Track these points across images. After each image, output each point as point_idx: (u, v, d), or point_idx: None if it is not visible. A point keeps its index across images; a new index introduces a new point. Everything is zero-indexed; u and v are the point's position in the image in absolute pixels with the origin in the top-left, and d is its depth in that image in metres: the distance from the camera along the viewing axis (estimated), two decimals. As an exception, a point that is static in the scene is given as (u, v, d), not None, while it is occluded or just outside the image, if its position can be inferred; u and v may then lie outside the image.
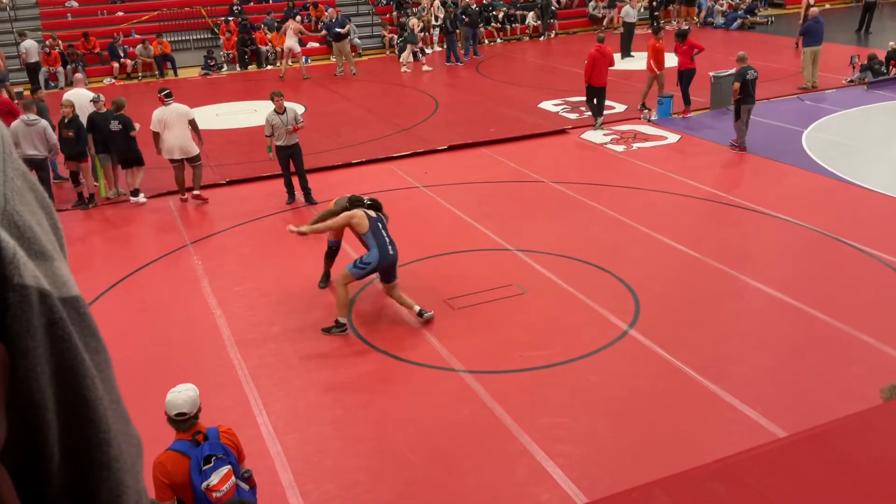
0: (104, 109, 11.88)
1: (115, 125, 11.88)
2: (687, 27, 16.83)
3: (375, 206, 8.47)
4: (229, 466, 4.34)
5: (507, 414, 6.56)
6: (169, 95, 11.96)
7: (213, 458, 4.29)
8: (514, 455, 6.07)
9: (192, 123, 11.94)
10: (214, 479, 4.24)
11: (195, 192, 12.12)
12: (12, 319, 0.56)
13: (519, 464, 5.96)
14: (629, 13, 22.37)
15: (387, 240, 8.03)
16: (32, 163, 10.83)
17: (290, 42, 21.97)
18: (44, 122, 11.25)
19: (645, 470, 5.63)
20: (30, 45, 20.29)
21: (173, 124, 11.80)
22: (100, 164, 12.18)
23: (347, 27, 22.20)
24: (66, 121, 11.70)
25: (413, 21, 23.26)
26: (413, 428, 6.49)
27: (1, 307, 0.56)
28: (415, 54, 23.79)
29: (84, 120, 12.06)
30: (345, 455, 6.19)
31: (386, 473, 5.97)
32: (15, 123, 11.11)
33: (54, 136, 11.37)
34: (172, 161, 11.96)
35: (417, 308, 8.19)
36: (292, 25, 22.26)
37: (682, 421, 6.42)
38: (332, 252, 9.00)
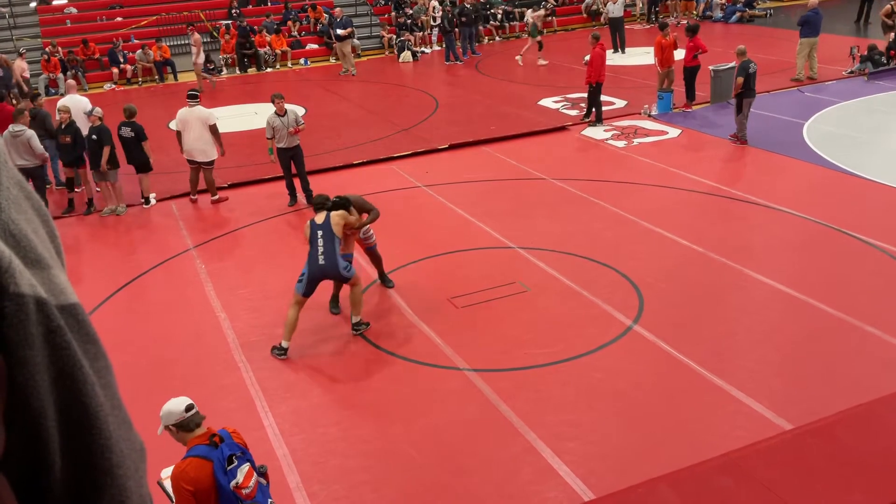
0: (97, 124, 11.71)
1: (126, 132, 11.89)
2: (696, 23, 16.79)
3: (339, 204, 7.91)
4: (249, 464, 4.37)
5: (512, 412, 6.56)
6: (192, 97, 12.08)
7: (234, 457, 4.31)
8: (520, 453, 6.07)
9: (213, 129, 12.00)
10: (240, 477, 4.27)
11: (213, 199, 12.25)
12: (9, 329, 0.57)
13: (525, 461, 5.96)
14: (612, 9, 22.51)
15: (319, 249, 7.59)
16: (25, 172, 10.83)
17: (200, 58, 20.69)
18: (29, 133, 11.19)
19: (651, 465, 5.63)
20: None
21: (192, 126, 11.94)
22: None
23: (349, 30, 22.21)
24: (62, 126, 11.72)
25: (539, 13, 22.75)
26: (418, 427, 6.49)
27: None
28: (414, 54, 23.78)
29: (81, 125, 12.07)
30: (351, 455, 6.20)
31: (392, 473, 5.97)
32: (2, 135, 11.11)
33: (40, 146, 11.31)
34: (190, 162, 12.11)
35: (356, 319, 7.92)
36: (197, 39, 20.91)
37: (687, 416, 6.42)
38: None
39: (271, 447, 6.32)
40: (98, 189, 12.39)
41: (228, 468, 4.23)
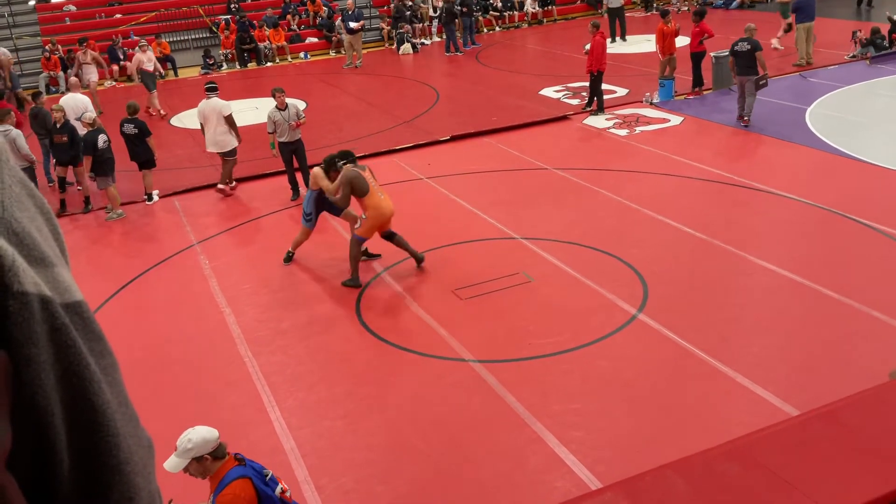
0: (93, 128, 11.57)
1: (129, 128, 11.85)
2: (702, 8, 16.59)
3: (324, 162, 9.11)
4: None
5: (518, 402, 6.57)
6: (211, 90, 12.18)
7: (262, 468, 4.33)
8: (527, 443, 6.07)
9: (228, 119, 12.10)
10: (281, 484, 4.31)
11: (219, 186, 12.36)
12: (14, 327, 0.56)
13: (532, 451, 5.97)
14: None
15: None
16: None
17: (93, 77, 19.10)
18: (14, 132, 11.09)
19: (658, 453, 5.63)
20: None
21: (209, 119, 12.09)
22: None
23: (361, 23, 22.14)
24: (57, 126, 11.63)
25: None
26: (425, 419, 6.50)
27: (1, 315, 0.56)
28: (414, 46, 23.71)
29: (77, 124, 12.04)
30: (358, 448, 6.21)
31: (400, 465, 5.98)
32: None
33: (25, 147, 11.20)
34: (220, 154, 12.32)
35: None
36: (89, 57, 19.42)
37: (693, 403, 6.42)
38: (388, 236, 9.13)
39: (278, 441, 6.34)
40: (79, 188, 12.39)
41: (267, 479, 4.26)
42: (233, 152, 12.23)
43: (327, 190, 8.85)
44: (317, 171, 9.04)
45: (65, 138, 11.62)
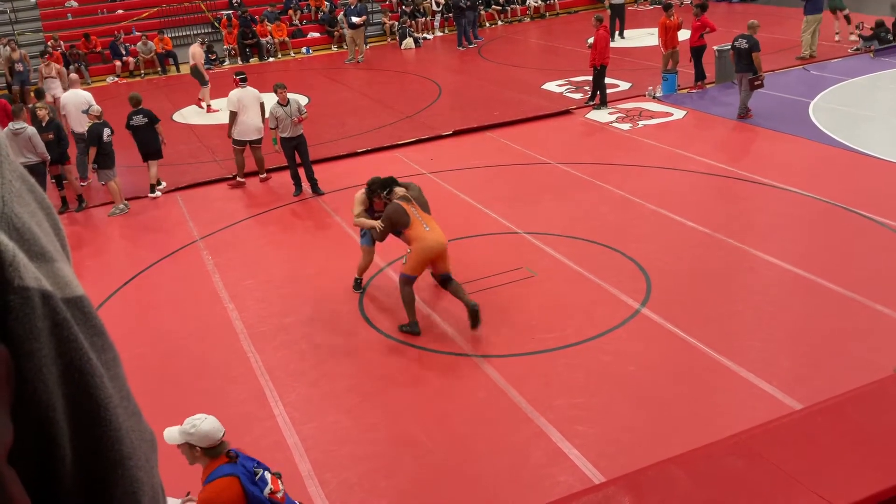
0: (99, 120, 11.57)
1: (138, 119, 11.86)
2: (705, 1, 16.41)
3: (368, 186, 8.04)
4: (270, 472, 4.34)
5: (521, 397, 6.57)
6: (244, 79, 12.30)
7: (255, 467, 4.30)
8: (530, 437, 6.08)
9: (262, 107, 12.26)
10: (272, 484, 4.25)
11: (262, 177, 12.61)
12: (15, 322, 0.56)
13: (536, 446, 5.98)
14: None
15: None
16: (26, 168, 10.74)
17: (57, 91, 17.20)
18: (30, 130, 11.05)
19: (661, 447, 5.63)
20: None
21: (250, 106, 12.19)
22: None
23: (364, 17, 22.10)
24: (42, 124, 11.56)
25: None
26: (429, 414, 6.51)
27: (2, 310, 0.56)
28: (416, 40, 23.67)
29: (76, 121, 12.02)
30: (362, 443, 6.22)
31: (403, 460, 5.99)
32: (2, 132, 10.97)
33: (41, 144, 11.13)
34: (238, 143, 12.33)
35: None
36: (53, 70, 18.13)
37: (697, 397, 6.42)
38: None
39: (282, 436, 6.35)
40: (83, 184, 12.38)
41: (256, 478, 4.22)
42: (261, 139, 12.45)
43: (354, 217, 8.05)
44: (357, 195, 8.09)
45: (51, 136, 11.51)
